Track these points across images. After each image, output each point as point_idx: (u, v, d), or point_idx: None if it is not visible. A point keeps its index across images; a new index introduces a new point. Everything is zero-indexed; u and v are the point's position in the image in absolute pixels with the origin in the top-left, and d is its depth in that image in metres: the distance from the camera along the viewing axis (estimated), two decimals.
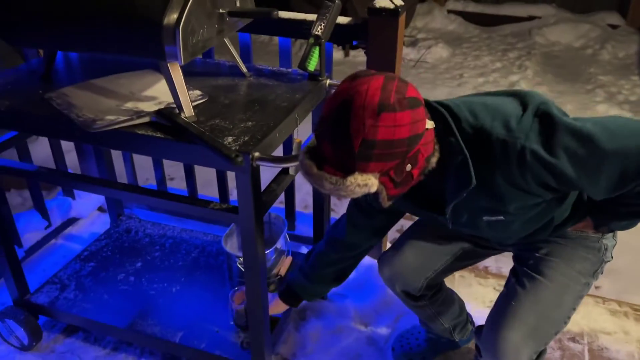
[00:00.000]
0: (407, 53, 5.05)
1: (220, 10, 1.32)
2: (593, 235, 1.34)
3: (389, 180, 1.02)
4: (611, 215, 1.26)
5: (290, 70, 1.67)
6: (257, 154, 1.20)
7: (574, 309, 1.35)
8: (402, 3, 1.65)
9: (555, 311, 1.32)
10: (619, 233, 1.36)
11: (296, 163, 1.26)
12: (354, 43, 1.75)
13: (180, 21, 1.18)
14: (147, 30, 1.20)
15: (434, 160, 1.10)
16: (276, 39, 1.99)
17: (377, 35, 1.67)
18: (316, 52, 1.53)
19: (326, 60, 1.60)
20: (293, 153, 1.36)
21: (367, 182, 0.99)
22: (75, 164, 2.52)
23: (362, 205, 1.43)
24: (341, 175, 0.99)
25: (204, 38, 1.29)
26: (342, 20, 1.70)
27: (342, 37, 1.72)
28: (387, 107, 0.94)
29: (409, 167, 1.02)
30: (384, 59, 1.69)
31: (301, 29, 1.72)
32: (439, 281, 1.61)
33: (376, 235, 1.51)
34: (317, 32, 1.50)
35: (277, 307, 1.66)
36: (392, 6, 1.62)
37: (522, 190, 1.12)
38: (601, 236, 1.34)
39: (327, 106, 1.02)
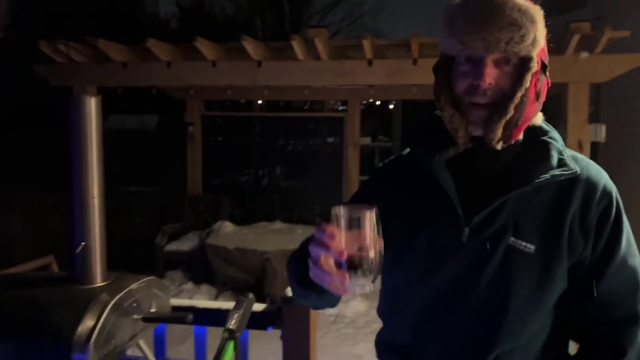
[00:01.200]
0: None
1: (135, 317, 1.36)
2: None
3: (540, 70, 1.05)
4: None
5: None
6: None
7: None
8: None
9: None
10: None
11: None
12: (269, 329, 1.80)
13: (92, 335, 1.19)
14: (57, 346, 1.19)
15: (539, 119, 1.13)
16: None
17: (291, 322, 1.74)
18: (230, 346, 1.55)
19: (242, 349, 1.62)
20: None
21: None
22: None
23: None
24: None
25: (118, 345, 1.29)
26: (258, 307, 1.78)
27: (257, 323, 1.78)
28: None
29: (543, 79, 1.06)
30: (298, 344, 1.73)
31: (217, 318, 1.77)
32: None
33: None
34: (231, 326, 1.55)
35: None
36: None
37: (574, 228, 1.07)
38: None
39: None
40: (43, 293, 1.29)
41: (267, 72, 4.23)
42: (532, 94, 1.05)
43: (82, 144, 1.29)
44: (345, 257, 0.86)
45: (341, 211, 0.88)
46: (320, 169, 7.02)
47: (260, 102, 7.81)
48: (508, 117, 1.03)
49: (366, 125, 10.14)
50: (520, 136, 1.09)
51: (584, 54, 3.65)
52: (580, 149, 3.72)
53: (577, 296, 1.10)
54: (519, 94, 1.03)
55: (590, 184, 1.08)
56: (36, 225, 5.57)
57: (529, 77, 1.03)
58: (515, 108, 1.03)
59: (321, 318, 5.02)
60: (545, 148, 1.10)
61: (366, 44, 3.81)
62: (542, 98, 1.09)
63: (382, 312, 1.25)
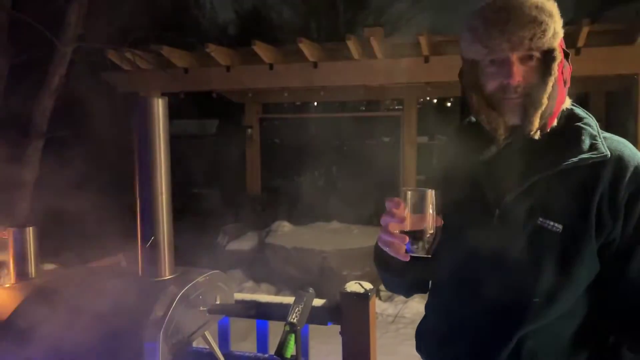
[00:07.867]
0: (384, 309, 5.15)
1: (201, 309, 1.41)
2: None
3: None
4: None
5: (267, 356, 1.70)
6: None
7: None
8: (372, 287, 1.78)
9: None
10: None
11: None
12: (329, 324, 1.82)
13: (162, 325, 1.25)
14: (130, 335, 1.26)
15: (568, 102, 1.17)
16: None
17: (350, 317, 1.76)
18: (292, 339, 1.58)
19: (302, 343, 1.65)
20: None
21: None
22: None
23: None
24: None
25: (185, 336, 1.35)
26: (317, 302, 1.81)
27: (317, 318, 1.80)
28: None
29: (567, 66, 1.13)
30: (357, 339, 1.74)
31: (278, 313, 1.81)
32: None
33: None
34: (292, 320, 1.58)
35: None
36: (362, 290, 1.75)
37: (602, 208, 1.08)
38: None
39: None
40: (118, 285, 1.37)
41: (322, 73, 4.27)
42: (560, 82, 1.11)
43: (149, 143, 1.36)
44: (407, 223, 1.01)
45: (408, 194, 1.04)
46: (376, 169, 6.98)
47: (315, 103, 7.88)
48: (543, 107, 1.09)
49: (423, 123, 10.00)
50: (555, 122, 1.14)
51: None
52: None
53: (609, 280, 1.11)
54: (550, 84, 1.09)
55: (620, 166, 1.09)
56: (105, 226, 5.85)
57: (556, 67, 1.09)
58: (549, 97, 1.09)
59: (380, 318, 5.01)
60: (577, 133, 1.13)
61: (422, 40, 3.78)
62: (568, 84, 1.15)
63: (427, 303, 1.35)
